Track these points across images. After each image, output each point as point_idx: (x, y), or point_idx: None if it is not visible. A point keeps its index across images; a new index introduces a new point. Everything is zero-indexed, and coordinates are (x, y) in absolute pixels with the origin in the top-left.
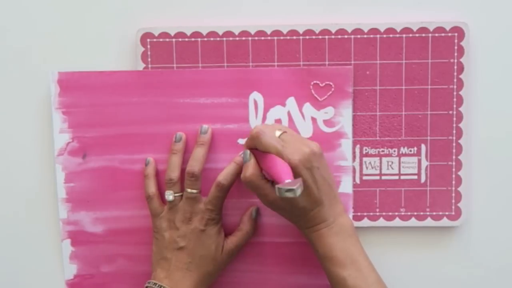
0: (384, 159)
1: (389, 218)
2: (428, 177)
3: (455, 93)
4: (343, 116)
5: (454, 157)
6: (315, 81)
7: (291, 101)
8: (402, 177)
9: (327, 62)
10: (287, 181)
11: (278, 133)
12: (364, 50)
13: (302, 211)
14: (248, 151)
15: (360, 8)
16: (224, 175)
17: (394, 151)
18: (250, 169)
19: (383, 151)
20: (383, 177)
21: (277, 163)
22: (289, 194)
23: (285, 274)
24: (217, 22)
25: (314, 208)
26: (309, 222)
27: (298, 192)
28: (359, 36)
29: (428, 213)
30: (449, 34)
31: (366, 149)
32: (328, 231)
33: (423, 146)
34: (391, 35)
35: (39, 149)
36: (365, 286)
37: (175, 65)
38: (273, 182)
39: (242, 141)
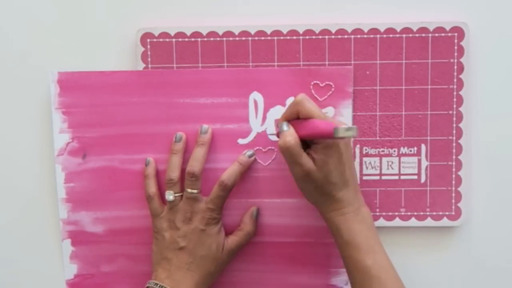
0: (384, 159)
1: (389, 218)
2: (428, 177)
3: (455, 93)
4: (343, 116)
5: (454, 157)
6: (315, 81)
7: (291, 101)
8: (402, 177)
9: (327, 62)
10: (342, 125)
11: None
12: (364, 50)
13: (331, 188)
14: (286, 121)
15: (360, 8)
16: (228, 175)
17: (394, 151)
18: (290, 136)
19: (383, 151)
20: (383, 177)
21: (321, 122)
22: (348, 133)
23: (285, 274)
24: (217, 22)
25: (342, 188)
26: (335, 203)
27: (356, 132)
28: (359, 36)
29: (428, 213)
30: (449, 34)
31: (366, 149)
32: (354, 217)
33: (423, 146)
34: (391, 35)
35: (39, 149)
36: (387, 278)
37: (175, 65)
38: (308, 154)
39: (242, 141)
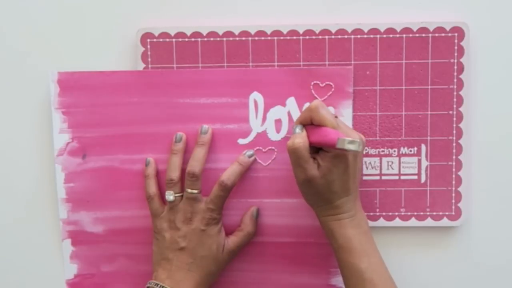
0: (384, 159)
1: (389, 218)
2: (428, 177)
3: (455, 93)
4: (343, 116)
5: (454, 157)
6: (315, 81)
7: (291, 101)
8: (402, 177)
9: (327, 62)
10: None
11: None
12: (364, 50)
13: (332, 196)
14: (300, 125)
15: (360, 8)
16: (227, 175)
17: (394, 151)
18: (300, 138)
19: (383, 151)
20: (383, 177)
21: (332, 131)
22: (351, 146)
23: (285, 274)
24: (217, 22)
25: (343, 196)
26: (333, 209)
27: (361, 146)
28: (359, 36)
29: (428, 213)
30: (449, 34)
31: (366, 149)
32: (350, 222)
33: (423, 146)
34: (391, 35)
35: (39, 149)
36: (380, 281)
37: (175, 65)
38: (314, 159)
39: (242, 141)
